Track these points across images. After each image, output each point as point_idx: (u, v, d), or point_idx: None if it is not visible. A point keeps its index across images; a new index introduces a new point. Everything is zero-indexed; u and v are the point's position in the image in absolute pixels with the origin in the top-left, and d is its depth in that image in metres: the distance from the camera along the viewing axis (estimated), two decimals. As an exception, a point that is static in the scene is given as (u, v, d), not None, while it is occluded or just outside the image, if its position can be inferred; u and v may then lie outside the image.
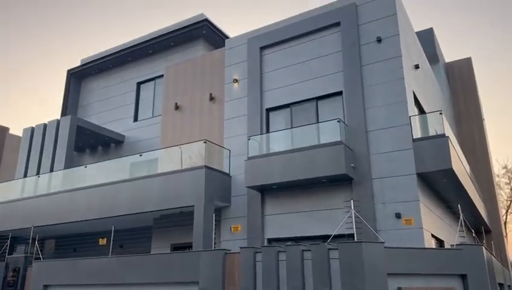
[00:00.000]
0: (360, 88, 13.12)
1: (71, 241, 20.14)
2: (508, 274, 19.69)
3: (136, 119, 22.07)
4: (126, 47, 22.91)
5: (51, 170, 19.13)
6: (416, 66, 14.85)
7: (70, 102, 24.90)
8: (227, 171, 14.82)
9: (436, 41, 24.12)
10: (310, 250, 8.81)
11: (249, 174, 13.42)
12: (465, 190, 13.85)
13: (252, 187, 13.48)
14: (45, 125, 20.59)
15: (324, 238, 12.68)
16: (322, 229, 12.64)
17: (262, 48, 15.61)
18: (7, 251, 15.69)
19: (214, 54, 17.59)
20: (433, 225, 12.69)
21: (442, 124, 11.91)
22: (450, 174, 11.78)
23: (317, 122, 13.69)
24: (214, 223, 12.21)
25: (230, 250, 10.28)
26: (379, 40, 13.31)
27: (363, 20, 13.78)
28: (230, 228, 12.45)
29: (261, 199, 13.87)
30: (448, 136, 11.62)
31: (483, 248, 8.87)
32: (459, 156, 13.30)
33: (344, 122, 12.95)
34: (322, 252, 8.58)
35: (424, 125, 13.25)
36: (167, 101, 18.13)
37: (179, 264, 10.67)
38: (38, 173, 19.54)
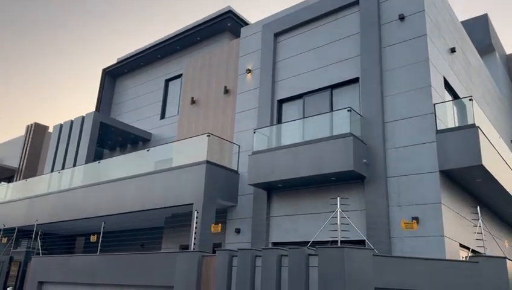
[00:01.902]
0: (379, 73, 11.40)
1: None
2: None
3: (163, 116, 21.61)
4: (154, 44, 22.64)
5: (74, 166, 19.09)
6: (452, 50, 12.79)
7: (105, 100, 25.09)
8: (236, 168, 13.66)
9: (491, 29, 21.36)
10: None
11: (253, 170, 12.16)
12: (509, 193, 11.59)
13: (255, 185, 12.20)
14: (72, 122, 20.72)
15: (333, 243, 11.19)
16: (328, 234, 11.06)
17: (277, 35, 14.33)
18: (12, 245, 15.68)
19: (230, 44, 16.57)
20: (464, 234, 10.63)
21: (472, 113, 9.87)
22: (482, 172, 9.73)
23: (328, 112, 12.09)
24: (195, 222, 11.05)
25: (208, 252, 9.07)
26: (402, 18, 11.52)
27: (385, -4, 12.05)
28: (211, 227, 11.24)
29: (267, 198, 12.54)
30: (478, 127, 9.59)
31: (509, 261, 6.91)
32: (498, 152, 11.10)
33: (357, 112, 11.29)
34: (300, 258, 7.13)
35: (463, 116, 11.25)
36: (185, 96, 17.38)
37: (155, 266, 9.65)
38: (63, 169, 19.62)
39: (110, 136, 21.46)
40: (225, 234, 13.26)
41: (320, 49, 13.06)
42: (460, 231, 10.46)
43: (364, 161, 10.70)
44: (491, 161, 10.04)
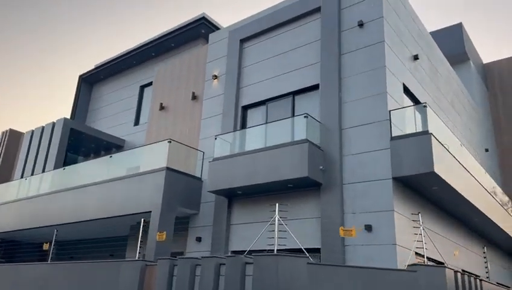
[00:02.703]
0: (337, 80, 11.32)
1: (70, 245, 19.57)
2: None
3: (137, 123, 21.37)
4: (130, 50, 22.50)
5: (43, 172, 18.78)
6: (415, 57, 12.77)
7: (81, 107, 24.85)
8: (200, 175, 13.46)
9: (466, 38, 21.46)
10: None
11: (212, 177, 11.98)
12: (470, 202, 11.49)
13: (215, 192, 12.02)
14: (43, 128, 20.43)
15: (291, 252, 11.00)
16: (290, 243, 10.85)
17: (243, 41, 14.25)
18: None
19: (199, 50, 16.48)
20: (424, 243, 10.48)
21: (426, 120, 9.79)
22: (435, 179, 9.62)
23: (283, 119, 11.96)
24: (141, 230, 10.80)
25: (151, 261, 8.84)
26: (361, 25, 11.48)
27: (346, 3, 12.02)
28: (156, 235, 11.00)
29: (227, 206, 12.34)
30: (431, 133, 9.50)
31: (448, 270, 6.76)
32: (458, 160, 11.01)
33: (315, 119, 11.18)
34: (236, 266, 6.94)
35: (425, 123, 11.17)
36: (154, 103, 17.22)
37: (101, 276, 9.39)
38: (32, 175, 19.29)
39: (83, 143, 21.20)
40: (186, 242, 13.03)
41: (283, 56, 12.98)
42: (415, 238, 10.30)
43: (321, 167, 10.57)
44: (446, 168, 9.94)
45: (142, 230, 11.70)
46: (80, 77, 25.15)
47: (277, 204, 8.47)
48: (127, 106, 22.25)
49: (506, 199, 17.34)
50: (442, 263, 11.35)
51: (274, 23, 13.43)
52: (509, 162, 22.35)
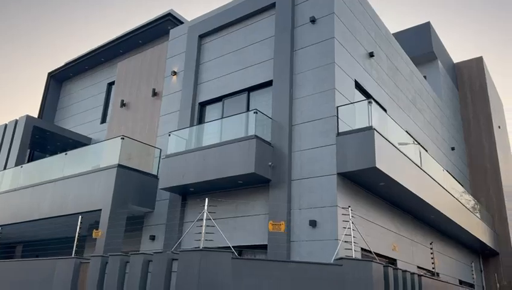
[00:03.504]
0: (289, 76, 11.26)
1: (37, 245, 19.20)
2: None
3: (103, 120, 21.07)
4: (98, 47, 22.19)
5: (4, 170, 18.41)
6: (371, 54, 12.77)
7: (49, 104, 24.43)
8: (156, 173, 13.28)
9: (434, 38, 21.61)
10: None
11: (165, 174, 11.83)
12: (421, 199, 11.52)
13: (167, 189, 11.86)
14: (5, 126, 20.04)
15: (240, 249, 10.92)
16: (238, 240, 10.79)
17: (202, 36, 14.12)
18: None
19: (161, 46, 16.29)
20: (369, 238, 10.49)
21: (370, 116, 9.77)
22: (379, 174, 9.61)
23: (233, 115, 11.88)
24: (78, 228, 10.60)
25: (86, 258, 8.66)
26: (313, 21, 11.44)
27: (300, -1, 11.97)
28: (92, 233, 10.82)
29: (181, 203, 12.19)
30: (375, 129, 9.48)
31: (376, 264, 6.73)
32: (408, 157, 11.03)
33: (266, 115, 11.10)
34: (163, 263, 6.81)
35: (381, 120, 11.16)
36: (116, 99, 17.01)
37: (38, 274, 9.17)
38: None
39: (49, 141, 20.86)
40: (140, 240, 12.86)
41: (240, 52, 12.89)
42: (370, 237, 10.29)
43: (270, 163, 10.49)
44: (391, 164, 9.94)
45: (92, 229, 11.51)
46: (49, 74, 24.74)
47: (206, 199, 8.36)
48: (95, 104, 21.92)
49: (468, 196, 17.49)
50: (395, 259, 11.40)
51: (231, 18, 13.33)
52: (477, 161, 22.59)
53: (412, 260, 12.62)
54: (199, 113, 13.30)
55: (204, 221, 7.64)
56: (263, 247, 10.17)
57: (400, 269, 7.79)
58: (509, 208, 21.82)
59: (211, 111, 13.30)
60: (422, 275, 8.43)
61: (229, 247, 9.26)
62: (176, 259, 6.76)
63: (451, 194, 14.34)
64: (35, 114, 23.84)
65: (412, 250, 12.88)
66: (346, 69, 11.14)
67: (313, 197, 9.86)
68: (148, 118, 15.20)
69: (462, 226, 15.08)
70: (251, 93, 12.38)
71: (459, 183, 19.50)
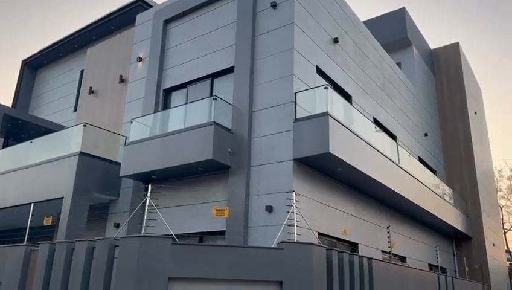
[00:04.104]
0: (250, 62, 11.18)
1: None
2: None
3: (76, 108, 20.86)
4: (71, 34, 21.83)
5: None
6: (335, 40, 12.72)
7: (24, 93, 24.09)
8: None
9: (409, 24, 21.57)
10: (100, 247, 7.01)
11: (126, 161, 11.75)
12: (383, 184, 11.62)
13: (128, 177, 11.80)
14: (-24, 114, 19.70)
15: (201, 235, 10.96)
16: (199, 226, 10.83)
17: (167, 22, 13.93)
18: None
19: (129, 32, 16.08)
20: (328, 223, 10.59)
21: (326, 102, 9.75)
22: (333, 159, 9.65)
23: (193, 101, 11.81)
24: (30, 215, 10.54)
25: (37, 246, 8.60)
26: (274, 6, 11.34)
27: (262, -17, 11.83)
28: (44, 220, 10.78)
29: (144, 191, 12.12)
30: (329, 115, 9.48)
31: (318, 248, 6.78)
32: (368, 142, 11.07)
33: (226, 101, 11.04)
34: (105, 249, 6.79)
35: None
36: (85, 86, 16.80)
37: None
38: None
39: (22, 130, 20.56)
40: (105, 228, 12.82)
41: (203, 38, 12.76)
42: (322, 220, 10.38)
43: (229, 150, 10.46)
44: (347, 150, 9.98)
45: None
46: (23, 62, 24.35)
47: (149, 185, 8.34)
48: (68, 91, 21.64)
49: (437, 181, 17.68)
50: (356, 243, 11.50)
51: (196, 3, 13.15)
52: (452, 146, 22.79)
53: (375, 244, 12.76)
54: (164, 100, 13.18)
55: (147, 208, 7.60)
56: (223, 233, 10.19)
57: (347, 252, 7.87)
58: (482, 193, 22.12)
59: (176, 98, 13.19)
60: (373, 259, 8.51)
61: (190, 234, 9.29)
62: (118, 245, 6.75)
63: (418, 179, 14.46)
64: (9, 103, 23.53)
65: (376, 234, 13.01)
66: (306, 55, 11.09)
67: (271, 183, 9.88)
68: (115, 105, 15.05)
69: (430, 211, 15.26)
70: (215, 80, 12.29)
71: (431, 169, 19.73)
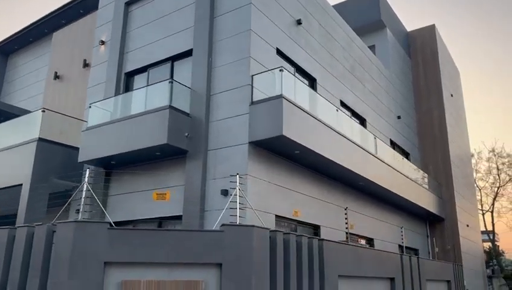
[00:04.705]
0: (208, 44, 11.00)
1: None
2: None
3: (47, 94, 20.51)
4: (41, 18, 21.33)
5: None
6: (298, 22, 12.56)
7: (-6, 78, 23.65)
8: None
9: (383, 6, 21.40)
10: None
11: (84, 147, 11.58)
12: (344, 167, 11.62)
13: (86, 162, 11.63)
14: None
15: (162, 220, 10.90)
16: (158, 211, 10.75)
17: (128, 4, 13.62)
18: None
19: (93, 15, 15.72)
20: (288, 205, 10.59)
21: (281, 84, 9.65)
22: (290, 143, 9.60)
23: (149, 85, 11.64)
24: None
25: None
26: (232, -14, 11.11)
27: (221, -37, 11.57)
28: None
29: (105, 176, 12.02)
30: (283, 97, 9.40)
31: (260, 229, 6.76)
32: (328, 125, 11.02)
33: (184, 85, 10.89)
34: (43, 235, 6.69)
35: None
36: (50, 71, 16.47)
37: None
38: None
39: (-6, 117, 20.23)
40: (68, 215, 12.68)
41: (163, 19, 12.52)
42: (281, 203, 10.37)
43: (186, 134, 10.35)
44: (305, 132, 9.93)
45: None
46: (-7, 47, 23.82)
47: (88, 170, 8.22)
48: (39, 77, 21.26)
49: (408, 164, 17.77)
50: (318, 226, 11.53)
51: (157, -15, 12.86)
52: (427, 129, 22.90)
53: (339, 226, 12.79)
54: (125, 84, 12.97)
55: (84, 193, 7.50)
56: (181, 217, 10.14)
57: (294, 234, 7.86)
58: (456, 175, 22.34)
59: (138, 81, 12.97)
60: (324, 240, 8.53)
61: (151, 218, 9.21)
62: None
63: (385, 162, 14.50)
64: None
65: (341, 217, 13.03)
66: (265, 36, 10.93)
67: (227, 167, 9.81)
68: (80, 90, 14.81)
69: (398, 193, 15.35)
70: (175, 63, 12.09)
71: (404, 151, 19.83)
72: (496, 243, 54.38)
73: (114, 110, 12.31)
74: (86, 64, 14.71)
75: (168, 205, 10.55)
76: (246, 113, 9.86)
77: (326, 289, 8.30)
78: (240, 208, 7.68)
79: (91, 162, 11.58)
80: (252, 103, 9.89)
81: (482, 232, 36.91)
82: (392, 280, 11.72)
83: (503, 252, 45.46)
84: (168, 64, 12.15)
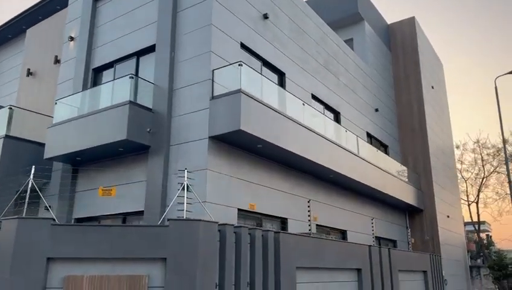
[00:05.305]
0: (170, 39, 11.00)
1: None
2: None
3: (24, 91, 20.40)
4: (18, 14, 21.18)
5: None
6: (265, 16, 12.56)
7: (-27, 76, 23.48)
8: (54, 142, 12.99)
9: (361, -1, 21.37)
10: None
11: (50, 143, 11.58)
12: (310, 160, 11.69)
13: (51, 159, 11.64)
14: None
15: (124, 215, 10.95)
16: (122, 207, 10.79)
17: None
18: None
19: (65, 11, 15.63)
20: (262, 201, 10.69)
21: (239, 79, 9.67)
22: (250, 137, 9.64)
23: (110, 81, 11.63)
24: None
25: None
26: (195, -19, 11.09)
27: (184, -43, 11.53)
28: None
29: (72, 173, 12.03)
30: (242, 92, 9.43)
31: (207, 223, 6.82)
32: (292, 118, 11.07)
33: (146, 80, 10.90)
34: (-9, 232, 6.72)
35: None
36: (24, 68, 16.40)
37: None
38: None
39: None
40: (38, 211, 12.70)
41: (129, 14, 12.49)
42: (244, 197, 10.43)
43: (148, 129, 10.37)
44: (267, 126, 9.98)
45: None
46: (-29, 43, 23.64)
47: (33, 166, 8.24)
48: (16, 74, 21.17)
49: (383, 156, 17.88)
50: (286, 218, 11.60)
51: (123, -21, 12.82)
52: (406, 121, 23.00)
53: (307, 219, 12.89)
54: (94, 80, 12.95)
55: (29, 190, 7.53)
56: (141, 213, 10.20)
57: (246, 227, 7.93)
58: (435, 166, 22.49)
59: (106, 77, 12.95)
60: (280, 232, 8.61)
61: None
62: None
63: (355, 154, 14.58)
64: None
65: (311, 210, 13.12)
66: (228, 31, 10.94)
67: (188, 162, 9.84)
68: (52, 87, 14.74)
69: (371, 186, 15.44)
70: (141, 58, 12.08)
71: (382, 144, 19.94)
72: (488, 233, 54.84)
73: (81, 107, 12.30)
74: (57, 61, 14.65)
75: (132, 201, 10.60)
76: (206, 108, 9.89)
77: (283, 281, 8.39)
78: (188, 203, 7.73)
79: (57, 158, 11.60)
80: (213, 97, 9.92)
81: (469, 223, 37.28)
82: (359, 271, 11.85)
83: (490, 243, 45.78)
84: (133, 60, 12.14)
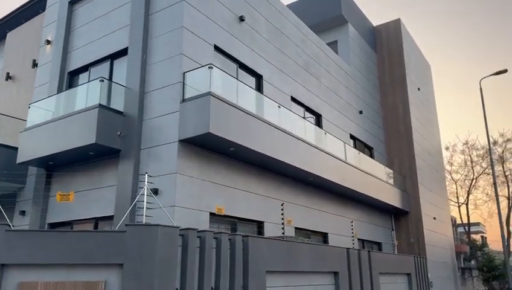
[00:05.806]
0: (142, 42, 10.93)
1: None
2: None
3: (7, 95, 20.24)
4: (2, 17, 21.05)
5: None
6: (241, 19, 12.51)
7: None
8: (30, 147, 12.86)
9: (344, 1, 21.36)
10: None
11: (22, 148, 11.46)
12: (284, 162, 11.62)
13: (24, 163, 11.52)
14: None
15: (97, 220, 10.84)
16: (94, 212, 10.68)
17: (72, 3, 13.49)
18: None
19: (43, 15, 15.53)
20: (235, 204, 10.61)
21: (209, 81, 9.60)
22: (218, 140, 9.57)
23: (83, 84, 11.55)
24: None
25: None
26: (167, -17, 11.03)
27: (157, -40, 11.48)
28: None
29: (46, 177, 11.91)
30: (212, 94, 9.35)
31: (167, 228, 6.72)
32: (265, 120, 11.00)
33: (117, 83, 10.82)
34: None
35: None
36: (3, 71, 16.27)
37: None
38: None
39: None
40: (13, 216, 12.57)
41: (103, 18, 12.42)
42: (217, 200, 10.34)
43: (119, 133, 10.27)
44: (238, 129, 9.91)
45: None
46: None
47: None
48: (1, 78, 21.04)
49: (367, 158, 17.84)
50: (262, 222, 11.52)
51: (98, -17, 12.74)
52: (392, 123, 23.00)
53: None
54: (69, 83, 12.85)
55: None
56: (111, 218, 10.09)
57: (211, 231, 7.84)
58: (421, 168, 22.49)
59: (82, 80, 12.84)
60: (249, 236, 8.52)
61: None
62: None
63: (335, 156, 14.52)
64: None
65: (288, 213, 13.04)
66: (200, 33, 10.87)
67: (158, 166, 9.77)
68: (30, 91, 14.62)
69: (352, 188, 15.38)
70: (115, 61, 12.00)
71: (366, 146, 19.91)
72: (483, 235, 54.82)
73: (56, 110, 12.18)
74: (35, 65, 14.52)
75: (103, 206, 10.50)
76: (177, 111, 9.81)
77: (251, 285, 8.29)
78: (148, 208, 7.63)
79: (30, 162, 11.49)
80: (183, 100, 9.84)
81: (461, 225, 37.26)
82: (336, 274, 11.77)
83: (484, 245, 45.75)
84: (107, 63, 12.06)
